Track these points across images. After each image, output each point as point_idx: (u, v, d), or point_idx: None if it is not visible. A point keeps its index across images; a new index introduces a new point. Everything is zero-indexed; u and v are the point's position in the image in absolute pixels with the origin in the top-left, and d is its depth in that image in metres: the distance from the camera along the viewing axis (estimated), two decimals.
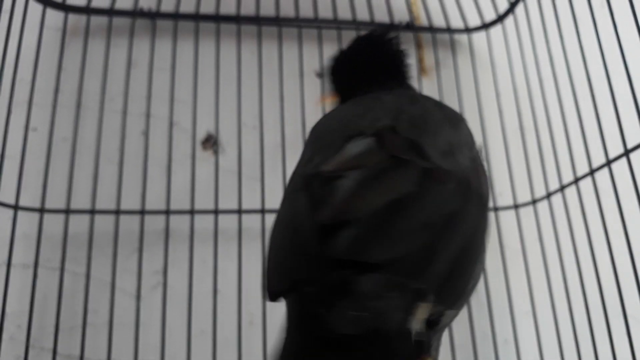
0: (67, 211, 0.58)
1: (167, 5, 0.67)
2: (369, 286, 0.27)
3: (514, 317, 0.62)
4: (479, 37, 0.74)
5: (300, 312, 0.29)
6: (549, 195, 0.62)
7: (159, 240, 0.60)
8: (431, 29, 0.73)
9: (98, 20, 0.67)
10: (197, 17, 0.68)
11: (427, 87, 0.72)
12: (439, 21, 0.73)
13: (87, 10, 0.66)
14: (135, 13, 0.66)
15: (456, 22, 0.73)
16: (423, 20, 0.75)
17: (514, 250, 0.65)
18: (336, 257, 0.28)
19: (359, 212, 0.29)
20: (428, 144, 0.34)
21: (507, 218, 0.66)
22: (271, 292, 0.32)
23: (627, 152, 0.51)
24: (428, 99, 0.43)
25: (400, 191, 0.31)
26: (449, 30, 0.73)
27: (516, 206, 0.66)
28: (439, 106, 0.41)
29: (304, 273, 0.30)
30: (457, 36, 0.75)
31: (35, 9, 0.62)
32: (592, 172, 0.55)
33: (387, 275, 0.28)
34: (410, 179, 0.31)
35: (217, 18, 0.68)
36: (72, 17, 0.66)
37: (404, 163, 0.32)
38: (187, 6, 0.67)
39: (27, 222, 0.58)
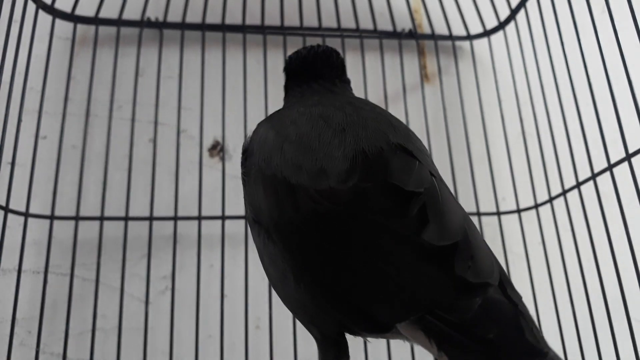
0: (77, 218, 0.58)
1: (174, 16, 0.68)
2: (518, 308, 0.28)
3: None
4: (480, 44, 0.75)
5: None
6: (551, 200, 0.63)
7: (167, 246, 0.61)
8: (433, 36, 0.74)
9: (106, 30, 0.68)
10: (203, 27, 0.69)
11: (430, 94, 0.73)
12: (441, 28, 0.74)
13: (96, 21, 0.67)
14: (143, 23, 0.68)
15: (458, 29, 0.74)
16: (425, 28, 0.76)
17: (517, 254, 0.65)
18: (472, 280, 0.28)
19: (460, 234, 0.29)
20: (420, 158, 0.34)
21: (510, 222, 0.67)
22: (383, 322, 0.29)
23: (628, 157, 0.51)
24: (369, 102, 0.43)
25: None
26: (451, 37, 0.74)
27: (519, 211, 0.67)
28: (382, 109, 0.41)
29: (440, 297, 0.28)
30: (459, 43, 0.76)
31: (45, 19, 0.63)
32: (594, 176, 0.56)
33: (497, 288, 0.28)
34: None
35: (223, 27, 0.69)
36: (81, 27, 0.67)
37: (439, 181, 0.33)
38: (194, 16, 0.69)
39: (37, 229, 0.59)
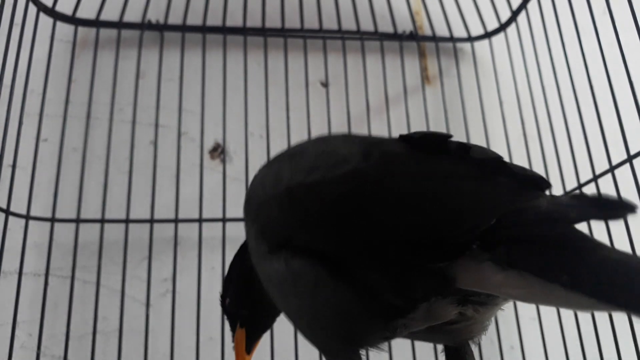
0: (78, 220, 0.59)
1: (175, 18, 0.68)
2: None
3: (519, 324, 0.62)
4: (481, 46, 0.75)
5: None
6: None
7: (167, 248, 0.61)
8: (434, 38, 0.74)
9: (107, 33, 0.68)
10: (204, 29, 0.69)
11: (431, 96, 0.73)
12: (442, 30, 0.74)
13: (97, 23, 0.67)
14: (144, 25, 0.68)
15: (459, 31, 0.74)
16: (426, 30, 0.76)
17: None
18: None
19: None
20: None
21: None
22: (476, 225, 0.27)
23: (630, 158, 0.51)
24: None
25: None
26: (452, 39, 0.74)
27: None
28: None
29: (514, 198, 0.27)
30: (460, 45, 0.76)
31: (46, 22, 0.63)
32: (595, 178, 0.56)
33: None
34: None
35: (223, 30, 0.69)
36: (82, 30, 0.67)
37: None
38: (195, 18, 0.69)
39: (38, 232, 0.59)
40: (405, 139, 0.33)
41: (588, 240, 0.25)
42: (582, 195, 0.26)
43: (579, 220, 0.26)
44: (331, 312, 0.32)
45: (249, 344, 0.43)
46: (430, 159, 0.30)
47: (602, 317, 0.53)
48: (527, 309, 0.63)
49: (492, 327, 0.62)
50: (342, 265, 0.31)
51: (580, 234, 0.26)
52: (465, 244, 0.27)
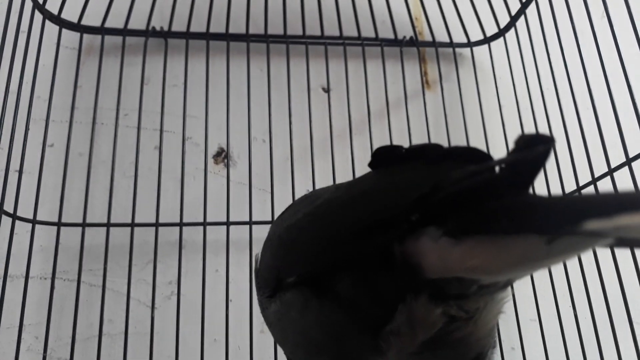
0: (84, 224, 0.59)
1: (179, 25, 0.69)
2: None
3: (520, 325, 0.63)
4: (481, 51, 0.76)
5: None
6: None
7: (172, 252, 0.61)
8: (434, 43, 0.75)
9: (112, 40, 0.69)
10: (207, 36, 0.70)
11: (431, 101, 0.74)
12: (441, 36, 0.75)
13: (102, 31, 0.68)
14: (148, 32, 0.69)
15: (459, 37, 0.75)
16: (426, 35, 0.77)
17: None
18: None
19: None
20: None
21: None
22: None
23: (629, 161, 0.52)
24: None
25: None
26: (452, 44, 0.75)
27: None
28: None
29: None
30: (459, 50, 0.77)
31: (52, 29, 0.64)
32: (594, 181, 0.57)
33: None
34: None
35: (227, 36, 0.70)
36: (87, 37, 0.68)
37: None
38: (198, 25, 0.70)
39: (44, 236, 0.60)
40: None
41: (515, 187, 0.26)
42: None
43: (500, 163, 0.26)
44: (321, 332, 0.32)
45: None
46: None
47: (601, 317, 0.53)
48: (527, 311, 0.63)
49: None
50: (324, 284, 0.31)
51: (511, 186, 0.26)
52: (402, 215, 0.27)
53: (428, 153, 0.31)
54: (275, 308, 0.35)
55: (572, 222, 0.21)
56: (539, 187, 0.65)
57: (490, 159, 0.29)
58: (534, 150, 0.24)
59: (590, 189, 0.57)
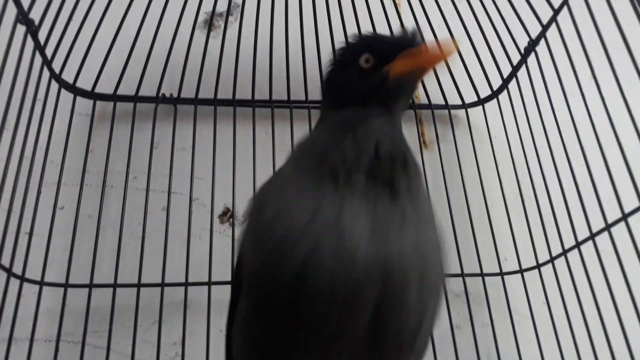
0: (90, 285, 0.59)
1: (188, 92, 0.72)
2: None
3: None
4: (475, 112, 0.79)
5: None
6: (552, 260, 0.64)
7: (177, 312, 0.61)
8: (430, 106, 0.78)
9: (124, 106, 0.72)
10: (215, 102, 0.73)
11: (429, 160, 0.76)
12: (437, 98, 0.78)
13: (114, 98, 0.71)
14: (158, 99, 0.72)
15: (453, 99, 0.78)
16: (422, 98, 0.80)
17: (522, 314, 0.66)
18: None
19: None
20: None
21: (514, 283, 0.67)
22: None
23: (624, 217, 0.53)
24: None
25: None
26: (447, 106, 0.78)
27: (521, 271, 0.68)
28: None
29: None
30: (454, 111, 0.79)
31: (67, 97, 0.67)
32: (592, 236, 0.57)
33: None
34: None
35: (233, 102, 0.73)
36: (100, 104, 0.71)
37: None
38: (206, 92, 0.73)
39: (51, 297, 0.60)
40: None
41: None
42: None
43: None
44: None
45: None
46: None
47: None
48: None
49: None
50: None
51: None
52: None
53: None
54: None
55: None
56: (539, 243, 0.66)
57: None
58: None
59: (589, 245, 0.58)
